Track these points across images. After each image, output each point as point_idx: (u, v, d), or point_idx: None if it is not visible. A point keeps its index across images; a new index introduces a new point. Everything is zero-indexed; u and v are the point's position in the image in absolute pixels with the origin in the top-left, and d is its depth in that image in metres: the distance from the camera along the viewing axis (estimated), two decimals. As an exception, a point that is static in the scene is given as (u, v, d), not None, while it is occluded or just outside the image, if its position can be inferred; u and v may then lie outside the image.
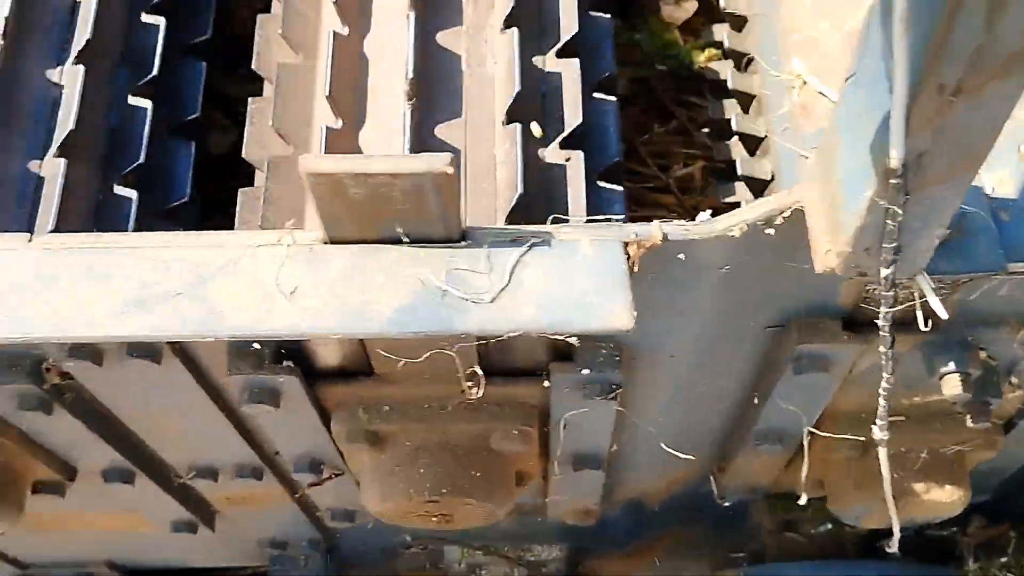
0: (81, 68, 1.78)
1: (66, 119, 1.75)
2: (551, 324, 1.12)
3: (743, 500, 2.25)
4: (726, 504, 2.17)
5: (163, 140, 1.89)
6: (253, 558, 2.49)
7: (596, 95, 1.87)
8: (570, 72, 1.85)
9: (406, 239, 1.15)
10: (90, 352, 1.32)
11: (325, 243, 1.16)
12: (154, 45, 1.90)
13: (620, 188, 1.76)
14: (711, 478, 2.14)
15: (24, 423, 1.49)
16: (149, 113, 1.81)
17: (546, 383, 1.46)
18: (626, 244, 1.16)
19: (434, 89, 1.72)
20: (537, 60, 1.90)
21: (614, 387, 1.44)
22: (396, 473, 1.55)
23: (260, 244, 1.15)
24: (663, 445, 1.84)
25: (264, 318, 1.11)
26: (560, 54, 1.88)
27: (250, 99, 1.75)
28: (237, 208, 1.64)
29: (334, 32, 1.66)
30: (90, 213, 1.77)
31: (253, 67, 1.74)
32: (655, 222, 1.18)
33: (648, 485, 2.12)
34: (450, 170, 1.04)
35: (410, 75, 1.59)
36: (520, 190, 1.60)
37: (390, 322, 1.11)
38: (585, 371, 1.40)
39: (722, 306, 1.41)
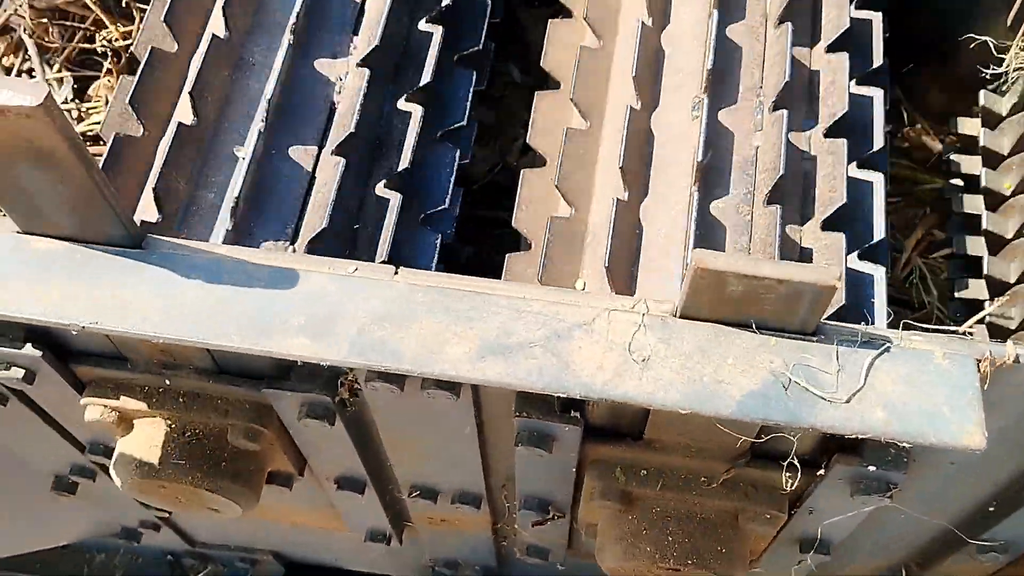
0: (366, 71, 1.83)
1: (345, 119, 1.79)
2: (902, 432, 1.12)
3: (926, 599, 2.21)
4: (910, 601, 2.13)
5: (427, 145, 1.90)
6: (414, 571, 2.51)
7: (855, 173, 1.85)
8: (835, 152, 1.84)
9: (758, 326, 1.16)
10: (398, 378, 1.35)
11: (677, 316, 1.17)
12: (427, 53, 1.92)
13: (882, 269, 1.74)
14: (903, 572, 2.10)
15: (300, 427, 1.53)
16: (419, 118, 1.83)
17: (820, 472, 1.45)
18: (979, 361, 1.15)
19: (711, 165, 1.73)
20: (796, 136, 1.89)
21: (892, 486, 1.42)
22: (644, 536, 1.55)
23: (614, 309, 1.17)
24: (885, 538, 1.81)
25: (616, 382, 1.13)
26: (827, 133, 1.88)
27: (523, 171, 1.78)
28: (505, 266, 1.67)
29: (630, 107, 1.67)
30: (353, 210, 1.81)
31: (528, 141, 1.78)
32: (1009, 342, 1.16)
33: (845, 572, 2.09)
34: (837, 284, 1.05)
35: (700, 160, 1.60)
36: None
37: (740, 406, 1.12)
38: (871, 468, 1.38)
39: (1017, 420, 1.38)
